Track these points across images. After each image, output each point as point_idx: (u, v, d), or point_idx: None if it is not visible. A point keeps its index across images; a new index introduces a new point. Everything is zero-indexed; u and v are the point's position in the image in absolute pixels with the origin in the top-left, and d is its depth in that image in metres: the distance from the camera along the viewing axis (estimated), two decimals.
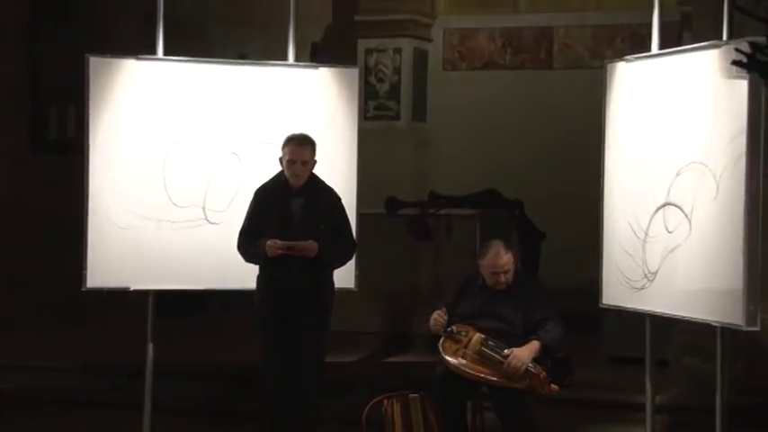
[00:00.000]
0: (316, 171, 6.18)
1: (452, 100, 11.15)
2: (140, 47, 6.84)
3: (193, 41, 9.11)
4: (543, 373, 5.76)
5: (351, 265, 6.46)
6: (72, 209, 6.79)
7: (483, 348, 5.84)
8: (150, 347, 6.62)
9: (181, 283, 6.69)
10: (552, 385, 5.80)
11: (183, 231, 6.60)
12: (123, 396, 7.21)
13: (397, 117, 11.07)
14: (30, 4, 10.28)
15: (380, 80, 11.04)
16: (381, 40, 11.02)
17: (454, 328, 5.94)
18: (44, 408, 7.61)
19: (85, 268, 6.55)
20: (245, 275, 6.24)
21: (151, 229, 6.57)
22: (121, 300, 6.90)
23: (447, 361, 5.87)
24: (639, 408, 6.21)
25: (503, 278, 6.02)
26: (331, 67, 6.92)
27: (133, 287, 6.63)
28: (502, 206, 9.23)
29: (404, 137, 11.01)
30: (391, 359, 8.31)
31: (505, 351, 5.79)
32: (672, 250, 5.72)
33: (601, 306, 6.32)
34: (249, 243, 6.12)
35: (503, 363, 5.77)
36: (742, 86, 5.27)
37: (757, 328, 5.36)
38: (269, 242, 5.96)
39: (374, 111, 10.96)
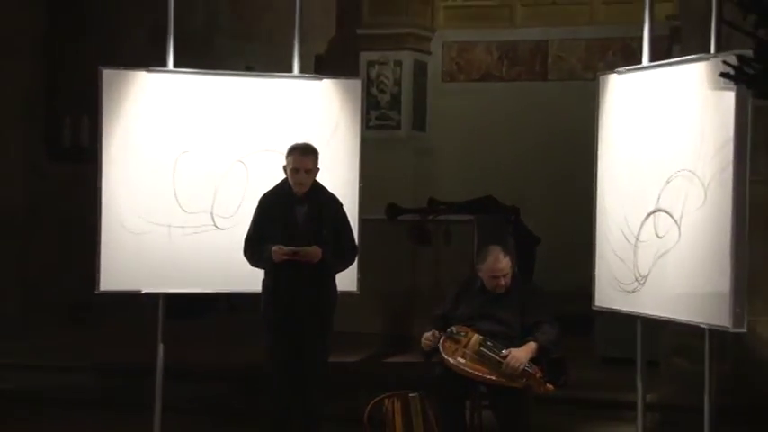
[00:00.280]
0: (319, 178, 6.17)
1: (451, 110, 11.16)
2: (151, 60, 6.83)
3: (202, 54, 9.12)
4: (539, 373, 5.75)
5: (353, 269, 6.44)
6: (85, 215, 6.79)
7: (481, 348, 5.82)
8: (160, 348, 6.61)
9: (190, 286, 6.68)
10: (548, 385, 5.79)
11: (192, 236, 6.60)
12: (134, 396, 7.20)
13: (398, 126, 11.08)
14: (45, 19, 10.29)
15: (382, 91, 11.05)
16: (383, 52, 11.04)
17: (454, 328, 5.93)
18: (57, 407, 7.60)
19: (98, 272, 6.55)
20: (251, 279, 6.23)
21: (162, 234, 6.57)
22: (133, 302, 6.88)
23: (447, 360, 5.86)
24: (631, 406, 6.19)
25: (502, 281, 6.02)
26: (334, 78, 6.91)
27: (144, 290, 6.62)
28: (499, 212, 9.23)
29: (404, 145, 11.02)
30: (392, 359, 8.30)
31: (503, 351, 5.78)
32: (662, 255, 5.72)
33: (593, 308, 6.32)
34: (255, 249, 6.11)
35: (501, 363, 5.76)
36: (729, 98, 5.26)
37: (744, 330, 5.36)
38: (274, 248, 5.96)
39: (376, 120, 10.97)
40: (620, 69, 6.25)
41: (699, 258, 5.49)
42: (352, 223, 6.33)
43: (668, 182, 5.68)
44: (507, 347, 5.79)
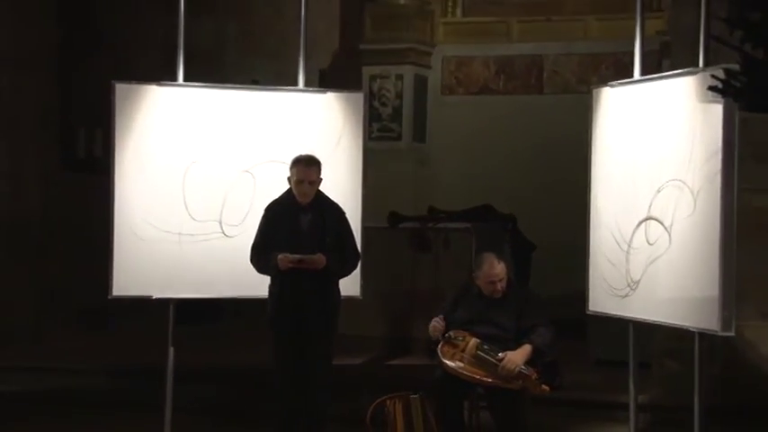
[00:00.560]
0: (323, 187, 6.17)
1: (450, 122, 11.16)
2: (162, 74, 6.84)
3: (211, 69, 9.13)
4: (535, 375, 5.76)
5: (356, 275, 6.44)
6: (99, 223, 6.79)
7: (479, 352, 5.83)
8: (171, 352, 6.61)
9: (199, 291, 6.68)
10: (543, 386, 5.79)
11: (201, 244, 6.60)
12: (145, 397, 7.19)
13: (399, 138, 11.09)
14: (61, 34, 10.31)
15: (384, 104, 11.06)
16: (384, 67, 11.05)
17: (452, 333, 5.93)
18: (72, 408, 7.60)
19: (111, 277, 6.55)
20: (257, 284, 6.23)
21: (172, 241, 6.57)
22: (144, 307, 6.88)
23: (445, 364, 5.86)
24: (623, 407, 6.19)
25: (498, 286, 6.01)
26: (338, 92, 6.92)
27: (155, 296, 6.62)
28: (496, 220, 9.23)
29: (405, 156, 11.02)
30: (393, 362, 8.29)
31: (500, 354, 5.78)
32: (653, 261, 5.71)
33: (587, 313, 6.31)
34: (261, 256, 6.11)
35: (497, 365, 5.76)
36: (717, 110, 5.26)
37: (732, 334, 5.35)
38: (280, 256, 5.96)
39: (378, 132, 10.97)
40: (613, 83, 6.25)
41: (688, 264, 5.49)
42: (354, 231, 6.33)
43: (659, 191, 5.68)
44: (504, 351, 5.79)
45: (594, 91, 6.33)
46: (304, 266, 5.96)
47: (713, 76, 4.42)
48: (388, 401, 6.04)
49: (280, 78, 8.02)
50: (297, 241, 6.02)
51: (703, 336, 5.51)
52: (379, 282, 7.69)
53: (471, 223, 8.91)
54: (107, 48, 10.35)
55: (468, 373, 5.80)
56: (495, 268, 6.01)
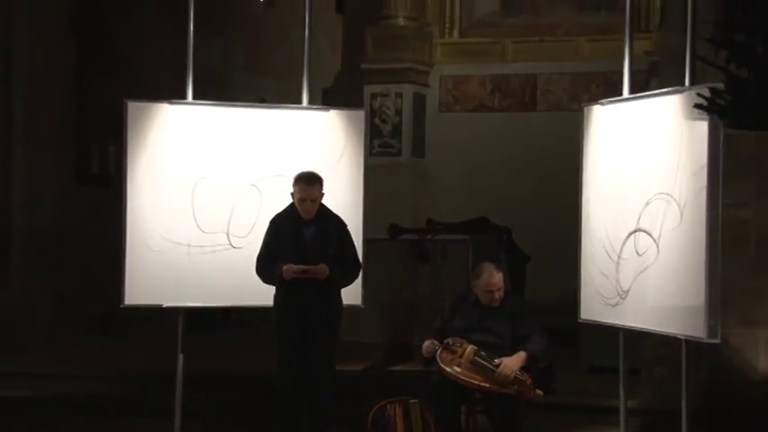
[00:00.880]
0: (326, 201, 6.17)
1: (448, 138, 11.16)
2: (173, 93, 6.85)
3: (219, 88, 9.15)
4: (529, 380, 5.75)
5: (357, 285, 6.44)
6: (112, 235, 6.79)
7: (476, 358, 5.82)
8: (180, 358, 6.60)
9: (207, 300, 6.67)
10: (538, 391, 5.78)
11: (209, 255, 6.59)
12: (156, 402, 7.18)
13: (399, 153, 11.07)
14: (76, 54, 10.33)
15: (384, 121, 11.05)
16: (385, 85, 11.04)
17: (450, 340, 5.92)
18: (85, 413, 7.58)
19: (123, 287, 6.54)
20: (263, 294, 6.23)
21: (181, 253, 6.56)
22: (155, 315, 6.87)
23: (444, 370, 5.85)
24: (614, 411, 6.17)
25: (496, 295, 6.00)
26: (340, 109, 6.92)
27: (165, 304, 6.61)
28: (492, 232, 9.21)
29: (405, 171, 11.01)
30: (393, 368, 8.28)
31: (496, 360, 5.78)
32: (642, 271, 5.71)
33: (579, 321, 6.30)
34: (267, 267, 6.11)
35: (494, 371, 5.75)
36: (703, 127, 5.27)
37: (718, 341, 5.35)
38: (285, 267, 5.96)
39: (378, 148, 10.96)
40: (603, 101, 6.25)
41: (676, 274, 5.48)
42: (356, 242, 6.33)
43: (647, 204, 5.68)
44: (500, 357, 5.79)
45: (585, 108, 6.33)
46: (308, 276, 5.96)
47: (699, 95, 4.43)
48: (388, 406, 6.03)
49: (285, 97, 8.03)
50: (301, 253, 6.01)
51: (690, 342, 5.50)
52: (379, 291, 7.68)
53: (468, 235, 8.90)
54: (120, 67, 10.37)
55: (466, 379, 5.79)
56: (494, 277, 6.00)
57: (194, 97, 6.68)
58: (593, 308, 6.12)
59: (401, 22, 11.05)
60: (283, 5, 7.13)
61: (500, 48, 11.32)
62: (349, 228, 6.26)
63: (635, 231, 5.77)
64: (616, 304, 5.91)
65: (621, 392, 6.03)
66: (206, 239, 6.59)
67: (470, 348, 5.85)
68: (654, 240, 5.61)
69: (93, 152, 10.52)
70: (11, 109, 9.74)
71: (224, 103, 6.91)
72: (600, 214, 6.09)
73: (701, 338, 5.32)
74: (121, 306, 6.59)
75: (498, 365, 5.75)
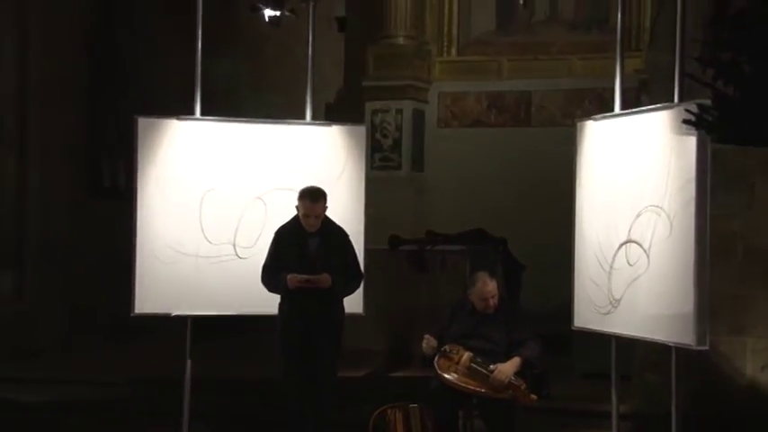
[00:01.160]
0: (329, 213, 6.18)
1: (446, 153, 11.15)
2: (181, 109, 6.87)
3: (226, 104, 9.14)
4: (524, 385, 5.75)
5: (359, 293, 6.44)
6: (122, 246, 6.79)
7: (472, 365, 5.82)
8: (188, 364, 6.60)
9: (214, 309, 6.67)
10: (532, 395, 5.77)
11: (216, 265, 6.59)
12: (164, 406, 7.17)
13: (399, 167, 11.07)
14: (88, 73, 10.35)
15: (384, 136, 11.06)
16: (385, 101, 11.04)
17: (447, 347, 5.92)
18: (97, 417, 7.57)
19: (133, 296, 6.55)
20: (268, 302, 6.23)
21: (189, 263, 6.57)
22: (164, 323, 6.87)
23: (442, 376, 5.85)
24: (606, 416, 6.17)
25: (491, 302, 6.01)
26: (342, 125, 6.93)
27: (174, 313, 6.61)
28: (488, 243, 9.20)
29: (404, 184, 11.01)
30: (394, 374, 8.26)
31: (491, 366, 5.77)
32: (633, 281, 5.70)
33: (573, 328, 6.30)
34: (272, 277, 6.11)
35: (489, 376, 5.75)
36: (691, 141, 5.28)
37: (706, 348, 5.34)
38: (289, 276, 5.96)
39: (379, 162, 10.96)
40: (596, 117, 6.26)
41: (666, 284, 5.48)
42: (358, 252, 6.33)
43: (638, 216, 5.68)
44: (495, 363, 5.79)
45: (579, 124, 6.34)
46: (311, 285, 5.96)
47: (687, 111, 4.43)
48: (388, 410, 6.03)
49: (289, 113, 8.01)
50: (305, 263, 6.02)
51: (680, 350, 5.50)
52: (380, 300, 7.67)
53: (466, 246, 8.90)
54: (131, 85, 10.39)
55: (463, 384, 5.79)
56: (488, 286, 6.00)
57: (202, 113, 6.69)
58: (587, 316, 6.12)
59: (401, 41, 11.06)
60: (288, 25, 7.14)
61: (496, 65, 11.32)
62: (351, 238, 6.26)
63: (626, 242, 5.77)
64: (608, 312, 5.91)
65: (613, 398, 6.02)
66: (213, 250, 6.59)
67: (467, 355, 5.84)
68: (644, 251, 5.61)
69: (104, 166, 10.52)
70: (25, 124, 9.75)
71: (231, 118, 6.91)
72: (592, 225, 6.09)
73: (691, 346, 5.32)
74: (132, 314, 6.58)
75: (493, 371, 5.74)
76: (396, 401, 6.07)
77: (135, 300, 6.54)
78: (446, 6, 11.32)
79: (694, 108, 4.28)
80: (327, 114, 10.46)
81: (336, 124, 6.93)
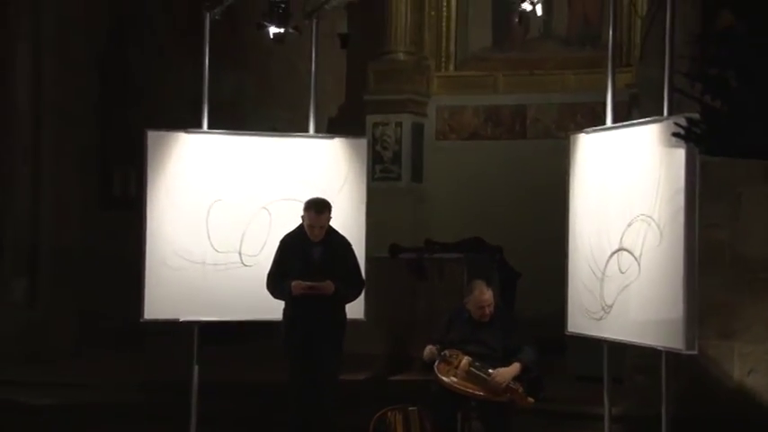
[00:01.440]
0: (331, 222, 6.18)
1: (444, 164, 11.16)
2: (189, 122, 6.87)
3: (232, 118, 9.15)
4: (521, 389, 5.74)
5: (360, 300, 6.43)
6: (132, 254, 6.79)
7: (471, 369, 5.82)
8: (196, 368, 6.59)
9: (221, 315, 6.67)
10: (529, 399, 5.77)
11: (223, 272, 6.60)
12: (173, 410, 7.15)
13: (399, 178, 11.08)
14: (99, 86, 10.36)
15: (385, 148, 11.07)
16: (385, 115, 11.06)
17: (447, 352, 5.92)
18: (107, 419, 7.56)
19: (143, 302, 6.55)
20: (273, 308, 6.22)
21: (197, 270, 6.57)
22: (172, 329, 6.86)
23: (441, 379, 5.84)
24: (599, 418, 6.16)
25: (487, 310, 6.00)
26: (344, 137, 6.95)
27: (182, 318, 6.61)
28: (485, 251, 9.20)
29: (404, 194, 11.02)
30: (394, 377, 8.25)
31: (490, 371, 5.77)
32: (624, 287, 5.70)
33: (567, 333, 6.29)
34: (277, 283, 6.11)
35: (488, 380, 5.74)
36: (680, 154, 5.28)
37: (695, 352, 5.34)
38: (294, 283, 5.96)
39: (380, 173, 10.97)
40: (588, 129, 6.27)
41: (656, 290, 5.48)
42: (359, 261, 6.33)
43: (629, 225, 5.68)
44: (494, 367, 5.78)
45: (572, 137, 6.34)
46: (315, 292, 5.96)
47: (676, 124, 4.42)
48: (389, 413, 6.02)
49: (293, 126, 8.03)
50: (309, 270, 6.02)
51: (669, 354, 5.49)
52: (381, 306, 7.65)
53: (463, 254, 8.90)
54: (140, 99, 10.40)
55: (462, 388, 5.79)
56: (485, 294, 6.00)
57: (209, 127, 6.71)
58: (580, 321, 6.12)
59: (401, 56, 11.08)
60: (292, 42, 7.15)
61: (492, 80, 11.34)
62: (353, 247, 6.26)
63: (618, 250, 5.77)
64: (601, 318, 5.90)
65: (606, 400, 6.02)
66: (220, 258, 6.60)
67: (466, 360, 5.84)
68: (635, 259, 5.61)
69: (115, 177, 10.53)
70: (40, 137, 9.77)
71: (237, 131, 6.93)
72: (585, 234, 6.09)
73: (680, 350, 5.32)
74: (141, 320, 6.58)
75: (492, 375, 5.74)
76: (396, 404, 6.06)
77: (144, 306, 6.54)
78: (444, 24, 11.34)
79: (683, 121, 4.28)
80: (330, 127, 10.46)
81: (338, 137, 6.94)
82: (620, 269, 5.74)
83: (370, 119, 11.07)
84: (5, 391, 8.07)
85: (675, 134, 4.33)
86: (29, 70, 9.68)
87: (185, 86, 9.75)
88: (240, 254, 6.62)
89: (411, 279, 8.87)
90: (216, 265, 6.59)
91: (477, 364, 5.82)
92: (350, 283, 6.15)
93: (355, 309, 6.41)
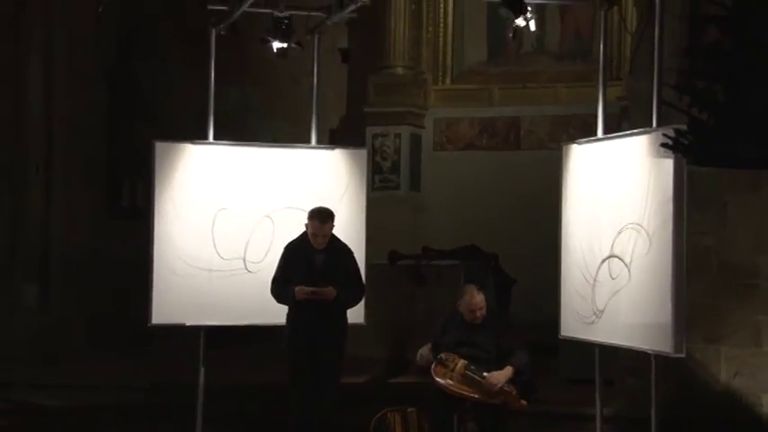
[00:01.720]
0: (333, 231, 6.18)
1: (441, 174, 11.17)
2: (195, 134, 6.89)
3: (237, 129, 9.16)
4: (515, 391, 5.74)
5: (361, 305, 6.44)
6: (140, 261, 6.80)
7: (467, 372, 5.82)
8: (201, 371, 6.59)
9: (226, 319, 6.68)
10: (522, 401, 5.77)
11: (227, 279, 6.60)
12: (179, 411, 7.14)
13: (398, 187, 11.08)
14: (108, 99, 10.38)
15: (384, 158, 11.08)
16: (385, 127, 11.07)
17: (443, 356, 5.92)
18: (116, 419, 7.56)
19: (150, 307, 6.55)
20: (276, 313, 6.23)
21: (203, 276, 6.57)
22: (179, 333, 6.86)
23: (438, 382, 5.84)
24: (590, 419, 6.16)
25: (478, 314, 6.00)
26: (345, 148, 6.96)
27: (188, 323, 6.61)
28: (481, 258, 9.21)
29: (403, 203, 11.02)
30: (393, 380, 8.25)
31: (485, 374, 5.77)
32: (615, 293, 5.71)
33: (559, 337, 6.29)
34: (280, 289, 6.12)
35: (482, 383, 5.74)
36: (668, 164, 5.29)
37: (683, 355, 5.35)
38: (297, 288, 5.97)
39: (379, 183, 10.97)
40: (580, 140, 6.28)
41: (645, 296, 5.48)
42: (360, 267, 6.34)
43: (620, 232, 5.69)
44: (487, 369, 5.79)
45: (564, 147, 6.36)
46: (317, 297, 5.97)
47: (665, 135, 4.45)
48: (388, 414, 6.02)
49: (295, 137, 8.04)
50: (311, 276, 6.03)
51: (658, 357, 5.50)
52: (380, 311, 7.66)
53: (460, 261, 8.90)
54: (148, 112, 10.42)
55: (458, 390, 5.79)
56: (475, 298, 6.00)
57: (215, 138, 6.72)
58: (572, 325, 6.12)
59: (399, 70, 11.10)
60: (294, 57, 7.16)
61: (487, 93, 11.35)
62: (354, 254, 6.27)
63: (609, 257, 5.77)
64: (592, 322, 5.91)
65: (597, 402, 6.02)
66: (225, 265, 6.60)
67: (461, 363, 5.84)
68: (626, 265, 5.62)
69: (123, 187, 10.54)
70: (51, 148, 9.78)
71: (241, 143, 6.94)
72: (577, 241, 6.10)
73: (668, 353, 5.32)
74: (149, 324, 6.58)
75: (487, 378, 5.74)
76: (395, 406, 6.06)
77: (152, 311, 6.55)
78: (441, 39, 11.36)
79: (671, 133, 4.30)
80: (331, 139, 10.47)
81: (339, 148, 6.96)
82: (610, 275, 5.74)
83: (370, 130, 11.08)
84: (19, 394, 8.07)
85: (664, 145, 4.36)
86: (40, 83, 9.70)
87: (192, 99, 9.78)
88: (245, 261, 6.63)
89: (410, 285, 8.87)
90: (221, 271, 6.60)
91: (472, 367, 5.82)
92: (351, 289, 6.15)
93: (356, 313, 6.42)
